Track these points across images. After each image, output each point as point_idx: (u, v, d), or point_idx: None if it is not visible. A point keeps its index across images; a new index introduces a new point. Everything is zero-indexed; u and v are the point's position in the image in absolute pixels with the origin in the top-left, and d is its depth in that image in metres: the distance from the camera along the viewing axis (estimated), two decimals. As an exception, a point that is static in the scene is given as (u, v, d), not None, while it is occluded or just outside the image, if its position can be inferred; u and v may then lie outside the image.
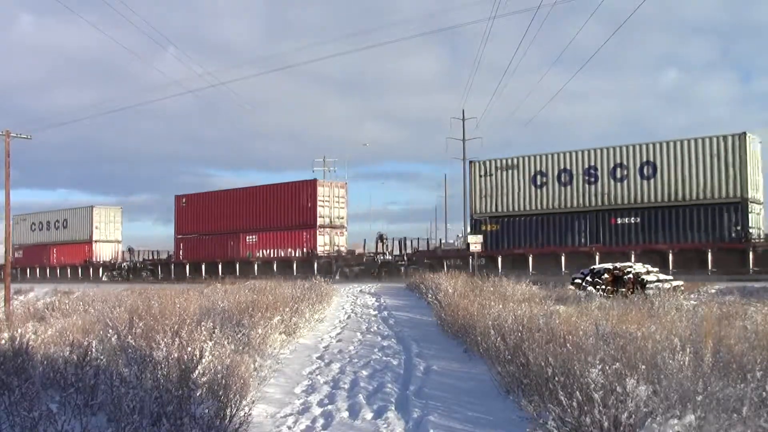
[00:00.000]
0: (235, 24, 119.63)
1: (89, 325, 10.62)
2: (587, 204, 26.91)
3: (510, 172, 28.71)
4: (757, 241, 23.77)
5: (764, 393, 4.93)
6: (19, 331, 10.28)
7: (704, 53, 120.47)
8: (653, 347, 6.14)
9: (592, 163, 26.79)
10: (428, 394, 7.67)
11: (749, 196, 23.75)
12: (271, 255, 34.14)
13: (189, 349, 6.96)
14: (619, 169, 26.10)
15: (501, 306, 11.35)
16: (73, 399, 5.68)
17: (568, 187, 27.36)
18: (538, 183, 28.09)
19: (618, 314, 9.71)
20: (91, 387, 6.12)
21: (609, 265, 18.32)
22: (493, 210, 29.21)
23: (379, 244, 32.39)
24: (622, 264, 18.38)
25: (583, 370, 5.34)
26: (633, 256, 23.83)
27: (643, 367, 5.35)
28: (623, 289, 16.03)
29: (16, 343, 7.91)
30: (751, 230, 23.79)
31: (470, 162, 30.95)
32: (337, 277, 30.36)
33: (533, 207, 28.18)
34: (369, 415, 6.90)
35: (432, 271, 24.91)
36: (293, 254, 33.25)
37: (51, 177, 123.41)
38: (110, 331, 9.56)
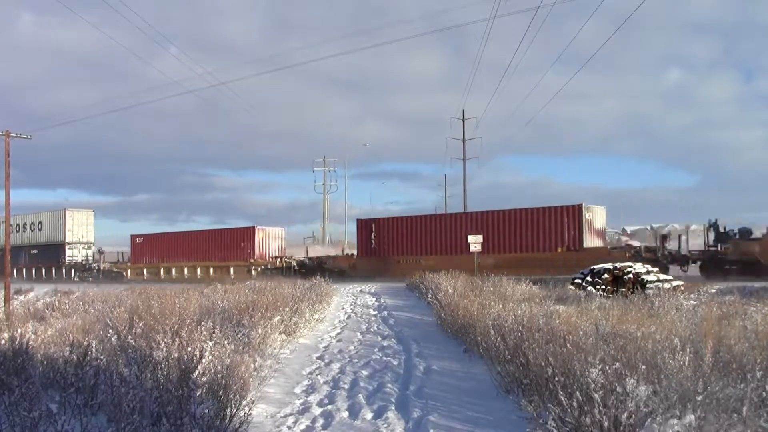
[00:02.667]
0: (235, 23, 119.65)
1: (89, 325, 10.61)
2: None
3: None
4: (87, 263, 41.14)
5: (764, 393, 4.93)
6: (19, 331, 10.27)
7: (707, 52, 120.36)
8: (653, 347, 6.14)
9: None
10: (428, 394, 7.67)
11: (66, 241, 41.54)
12: None
13: (189, 349, 6.96)
14: None
15: (501, 306, 11.34)
16: (73, 399, 5.67)
17: None
18: None
19: (618, 314, 9.70)
20: (91, 387, 6.12)
21: (609, 265, 18.30)
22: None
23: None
24: (622, 264, 18.37)
25: (583, 370, 5.33)
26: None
27: (643, 367, 5.35)
28: (623, 289, 16.01)
29: (16, 343, 7.90)
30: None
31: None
32: None
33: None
34: (369, 415, 6.90)
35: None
36: None
37: (51, 177, 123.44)
38: (110, 331, 9.55)
